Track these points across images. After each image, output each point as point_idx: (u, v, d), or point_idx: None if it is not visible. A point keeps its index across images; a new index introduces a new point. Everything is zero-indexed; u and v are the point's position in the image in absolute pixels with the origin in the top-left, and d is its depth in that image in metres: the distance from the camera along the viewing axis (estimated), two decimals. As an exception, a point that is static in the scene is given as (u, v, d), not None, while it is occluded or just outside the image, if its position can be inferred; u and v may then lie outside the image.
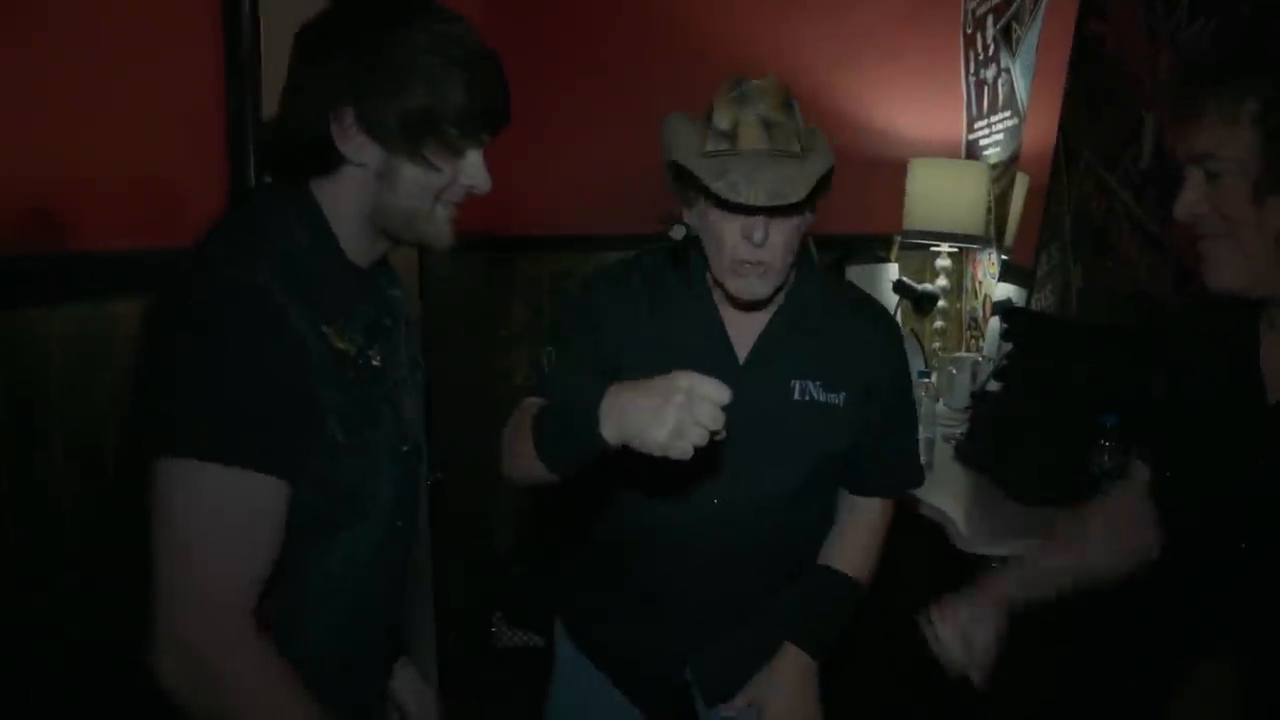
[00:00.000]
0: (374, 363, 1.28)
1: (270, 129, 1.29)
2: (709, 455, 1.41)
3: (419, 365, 1.48)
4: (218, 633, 1.10)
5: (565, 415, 1.44)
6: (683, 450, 1.26)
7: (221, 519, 1.10)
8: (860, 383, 1.68)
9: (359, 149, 1.22)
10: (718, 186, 1.50)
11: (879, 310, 1.82)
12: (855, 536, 1.78)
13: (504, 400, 1.83)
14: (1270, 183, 1.14)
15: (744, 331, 1.70)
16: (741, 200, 1.49)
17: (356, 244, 1.29)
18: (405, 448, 1.35)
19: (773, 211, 1.53)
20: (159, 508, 1.11)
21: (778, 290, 1.66)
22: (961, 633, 1.45)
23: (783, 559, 1.75)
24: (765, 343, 1.69)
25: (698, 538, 1.68)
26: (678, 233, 1.69)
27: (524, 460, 1.51)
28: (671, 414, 1.25)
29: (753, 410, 1.51)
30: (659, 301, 1.70)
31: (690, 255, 1.72)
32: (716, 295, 1.70)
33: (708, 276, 1.69)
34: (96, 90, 1.92)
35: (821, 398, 1.68)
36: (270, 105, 2.36)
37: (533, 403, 1.60)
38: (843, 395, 1.69)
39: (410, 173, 1.22)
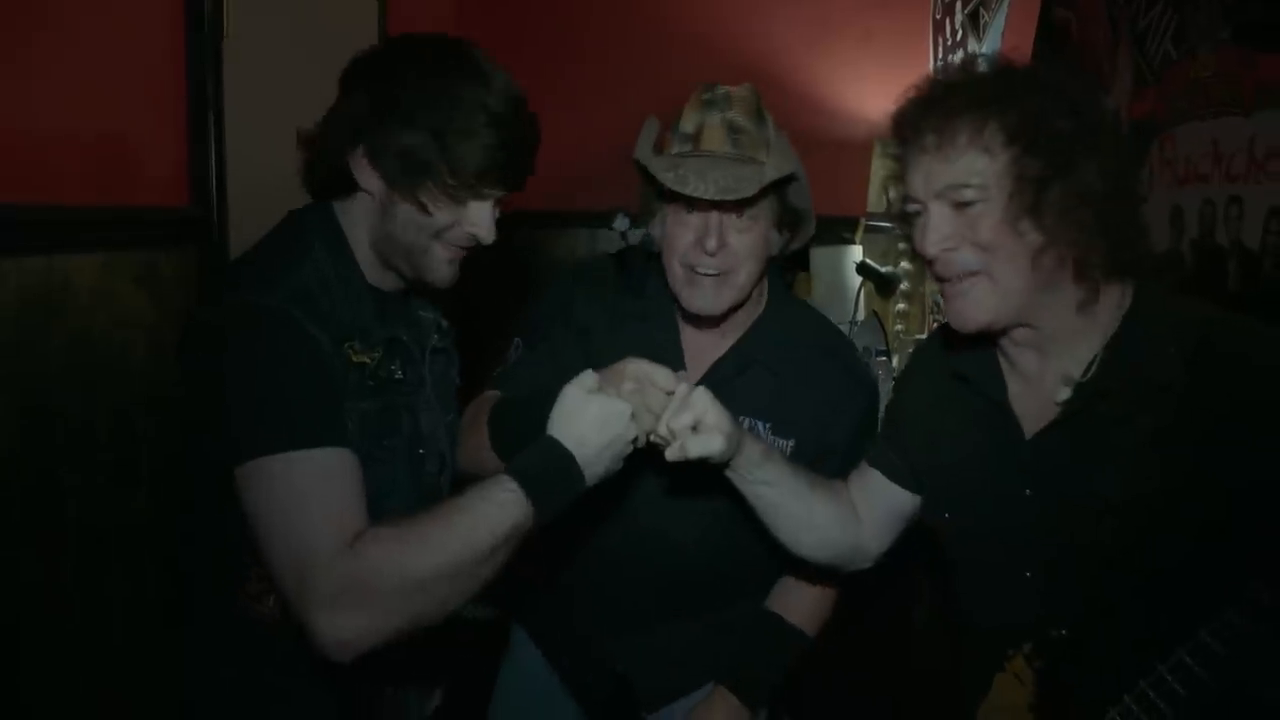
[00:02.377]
0: (396, 376, 1.38)
1: (309, 146, 1.40)
2: (637, 466, 1.44)
3: (452, 381, 1.56)
4: (344, 568, 1.15)
5: (522, 407, 1.45)
6: (638, 437, 1.34)
7: (303, 490, 1.19)
8: (814, 434, 1.62)
9: (368, 177, 1.32)
10: (666, 177, 1.49)
11: (850, 359, 1.74)
12: (807, 584, 1.71)
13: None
14: (1022, 206, 1.19)
15: (701, 356, 1.66)
16: (689, 192, 1.47)
17: (377, 268, 1.39)
18: (421, 451, 1.44)
19: (725, 206, 1.51)
20: (251, 505, 1.21)
21: (736, 308, 1.62)
22: None
23: (721, 588, 1.72)
24: (718, 370, 1.64)
25: (628, 554, 1.67)
26: (620, 223, 1.68)
27: (477, 451, 1.53)
28: (627, 403, 1.32)
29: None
30: (627, 310, 1.69)
31: (638, 263, 1.70)
32: (679, 316, 1.68)
33: (669, 296, 1.66)
34: (53, 45, 1.89)
35: (768, 439, 1.61)
36: (232, 64, 2.35)
37: (491, 396, 1.62)
38: (791, 443, 1.63)
39: (405, 210, 1.31)
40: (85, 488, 2.00)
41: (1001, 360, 1.37)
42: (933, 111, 1.24)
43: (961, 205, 1.23)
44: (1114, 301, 1.27)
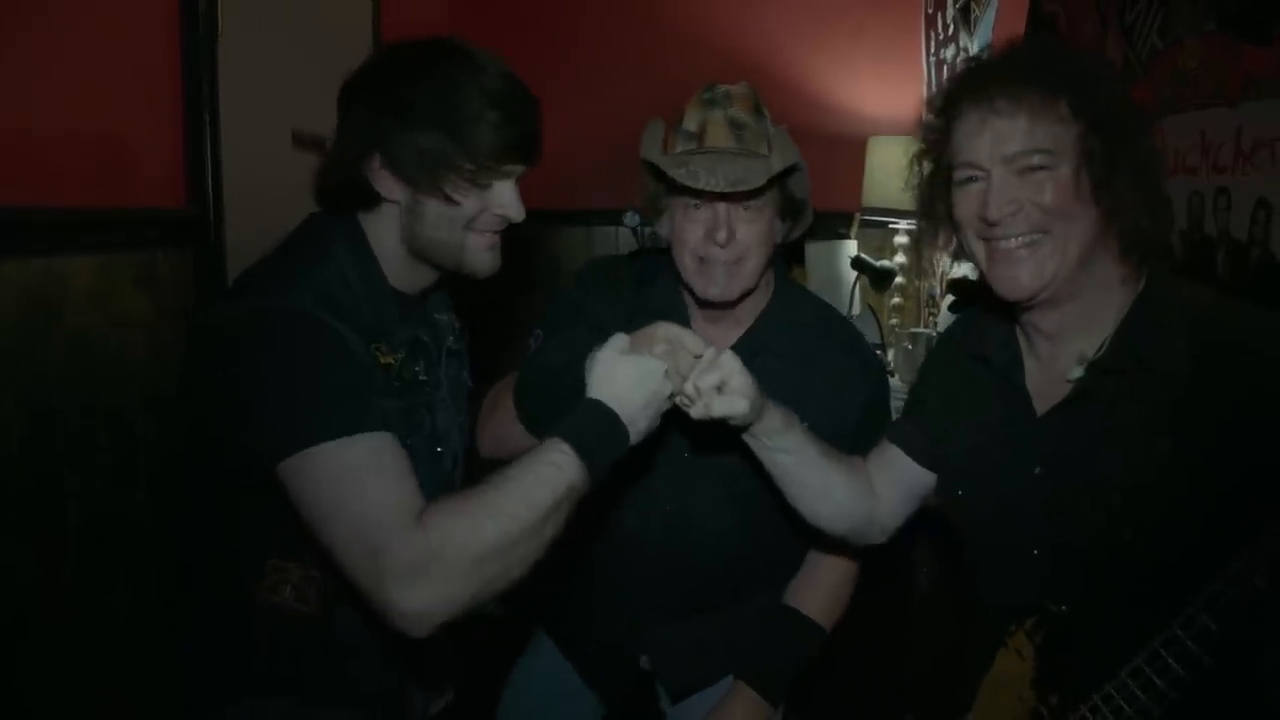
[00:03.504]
0: (420, 377, 1.40)
1: (321, 169, 1.40)
2: (656, 459, 1.46)
3: (464, 383, 1.58)
4: (416, 541, 1.16)
5: (549, 381, 1.49)
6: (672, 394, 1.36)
7: (357, 474, 1.20)
8: (827, 416, 1.64)
9: (389, 188, 1.34)
10: (678, 173, 1.53)
11: (856, 342, 1.79)
12: (823, 577, 1.74)
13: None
14: (1088, 176, 1.22)
15: (713, 346, 1.68)
16: (701, 186, 1.51)
17: (400, 272, 1.40)
18: (439, 449, 1.46)
19: (733, 198, 1.55)
20: (304, 496, 1.21)
21: (746, 295, 1.65)
22: None
23: (742, 573, 1.74)
24: None
25: (650, 540, 1.70)
26: (631, 219, 1.72)
27: (502, 427, 1.57)
28: (660, 360, 1.35)
29: (708, 425, 1.48)
30: (639, 308, 1.71)
31: (652, 260, 1.74)
32: (690, 309, 1.72)
33: (681, 290, 1.70)
34: (49, 47, 1.90)
35: None
36: (227, 65, 2.36)
37: (512, 379, 1.66)
38: (805, 426, 1.62)
39: (434, 206, 1.34)
40: (85, 489, 2.01)
41: (1021, 341, 1.40)
42: (1007, 77, 1.26)
43: (1028, 171, 1.25)
44: (1129, 286, 1.30)
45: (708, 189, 1.51)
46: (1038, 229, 1.26)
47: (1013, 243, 1.28)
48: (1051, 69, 1.25)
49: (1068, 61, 1.28)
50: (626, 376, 1.33)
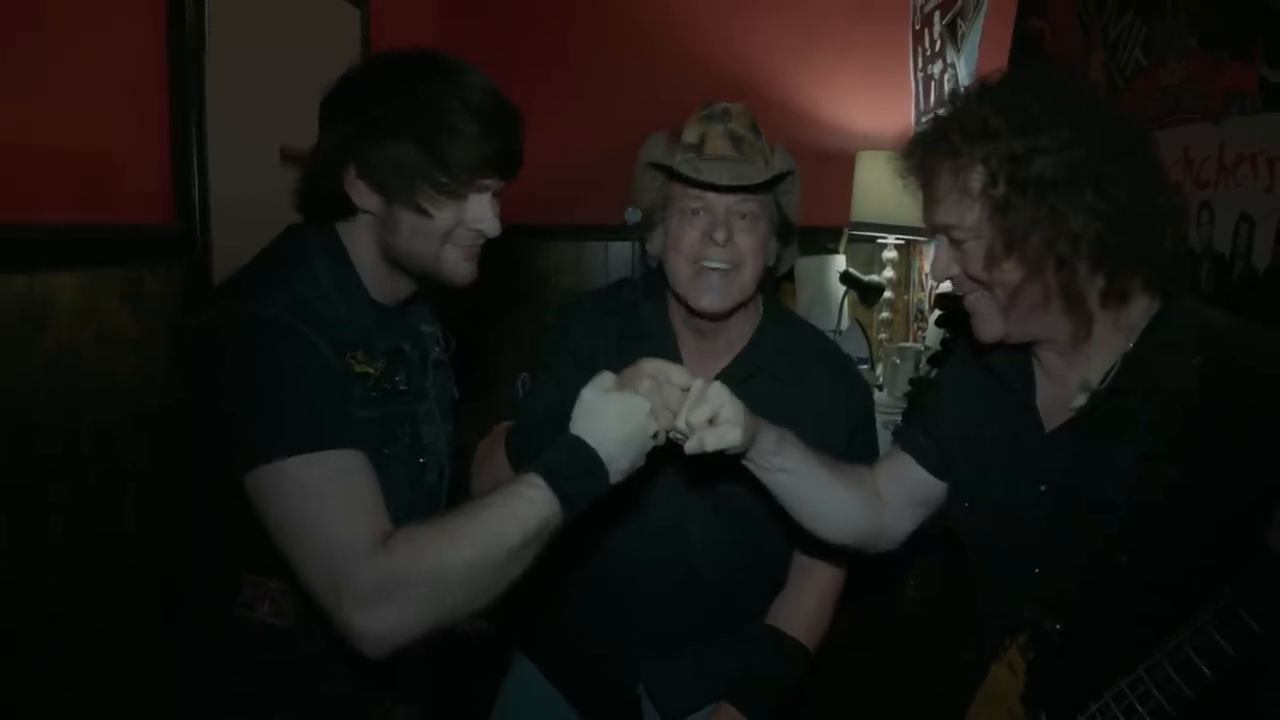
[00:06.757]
0: (401, 388, 1.39)
1: (301, 177, 1.40)
2: (649, 479, 1.46)
3: (451, 394, 1.58)
4: (378, 565, 1.16)
5: (540, 425, 1.48)
6: (658, 432, 1.36)
7: (322, 493, 1.20)
8: (813, 438, 1.63)
9: (364, 198, 1.34)
10: (683, 167, 1.56)
11: (844, 365, 1.80)
12: (805, 596, 1.75)
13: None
14: (1001, 249, 1.24)
15: (702, 372, 1.65)
16: (704, 178, 1.54)
17: (379, 282, 1.40)
18: (421, 460, 1.46)
19: (736, 191, 1.58)
20: (268, 510, 1.21)
21: (738, 308, 1.66)
22: None
23: (736, 594, 1.74)
24: (722, 380, 1.65)
25: (638, 560, 1.69)
26: (631, 216, 1.73)
27: (494, 479, 1.54)
28: (644, 398, 1.35)
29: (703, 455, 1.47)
30: (627, 337, 1.72)
31: (638, 291, 1.76)
32: (680, 334, 1.73)
33: (670, 315, 1.72)
34: (34, 62, 1.90)
35: None
36: (214, 79, 2.36)
37: (504, 427, 1.65)
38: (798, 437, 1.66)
39: (409, 218, 1.33)
40: (70, 506, 2.00)
41: (1033, 358, 1.40)
42: (921, 156, 1.30)
43: (955, 242, 1.29)
44: (1140, 310, 1.29)
45: (712, 180, 1.55)
46: (975, 289, 1.31)
47: (965, 297, 1.33)
48: (961, 142, 1.25)
49: (987, 126, 1.24)
50: (609, 414, 1.33)
